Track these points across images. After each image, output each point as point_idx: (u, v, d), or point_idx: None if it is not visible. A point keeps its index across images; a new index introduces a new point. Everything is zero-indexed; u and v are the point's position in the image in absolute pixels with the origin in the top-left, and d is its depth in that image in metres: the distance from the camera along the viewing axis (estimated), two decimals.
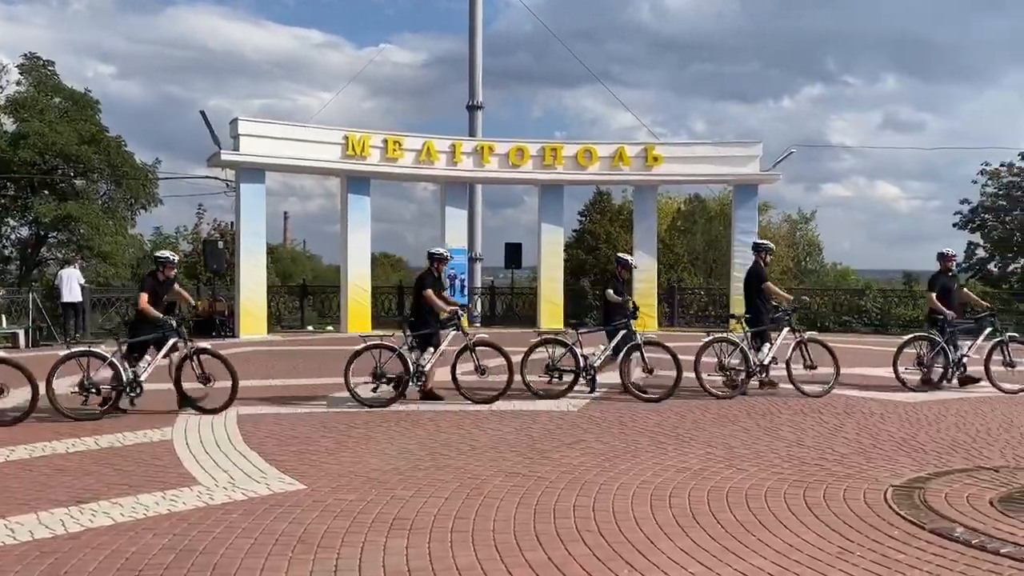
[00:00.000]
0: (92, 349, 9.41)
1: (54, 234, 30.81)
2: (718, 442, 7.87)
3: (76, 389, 9.09)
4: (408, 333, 10.21)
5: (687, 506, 5.70)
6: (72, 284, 19.64)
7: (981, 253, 29.83)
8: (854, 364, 13.16)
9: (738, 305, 22.55)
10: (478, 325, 23.93)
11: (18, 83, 30.45)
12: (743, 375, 10.71)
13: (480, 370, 10.08)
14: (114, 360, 9.23)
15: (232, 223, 25.25)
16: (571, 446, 7.65)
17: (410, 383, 10.00)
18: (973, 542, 4.87)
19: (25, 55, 30.76)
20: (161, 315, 9.63)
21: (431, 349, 10.22)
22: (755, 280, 11.50)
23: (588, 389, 10.61)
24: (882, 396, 10.61)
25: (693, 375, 10.48)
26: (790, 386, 10.62)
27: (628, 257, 11.60)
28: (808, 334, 11.27)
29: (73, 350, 9.31)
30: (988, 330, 11.44)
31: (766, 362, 10.85)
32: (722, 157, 23.13)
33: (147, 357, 9.55)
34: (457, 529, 5.22)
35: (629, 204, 37.58)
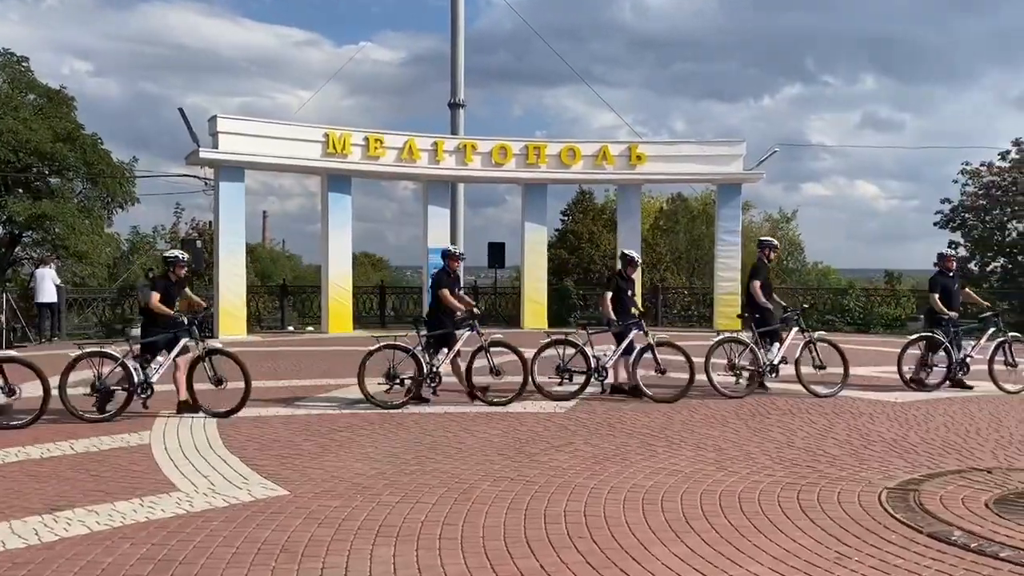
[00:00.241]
0: (104, 350, 9.19)
1: (28, 233, 30.30)
2: (708, 444, 7.77)
3: (88, 390, 8.92)
4: (422, 333, 10.04)
5: (680, 510, 5.59)
6: (47, 284, 19.29)
7: (962, 252, 30.00)
8: (839, 363, 13.08)
9: (725, 303, 22.64)
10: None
11: None
12: (753, 375, 10.65)
13: (495, 371, 9.94)
14: (126, 361, 9.06)
15: (210, 222, 24.96)
16: (559, 449, 7.53)
17: (424, 384, 9.86)
18: (972, 546, 4.79)
19: None
20: (173, 313, 9.48)
21: (444, 350, 10.07)
22: (751, 277, 11.44)
23: (599, 390, 10.49)
24: (870, 396, 10.56)
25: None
26: (776, 386, 10.56)
27: (635, 253, 11.43)
28: (818, 334, 11.22)
29: (85, 350, 9.08)
30: (992, 330, 11.43)
31: (776, 362, 10.79)
32: (706, 156, 23.09)
33: (158, 358, 9.37)
34: (445, 536, 5.07)
35: (612, 203, 37.57)
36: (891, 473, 6.57)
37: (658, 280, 30.72)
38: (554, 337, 10.57)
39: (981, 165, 28.86)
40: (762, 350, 10.75)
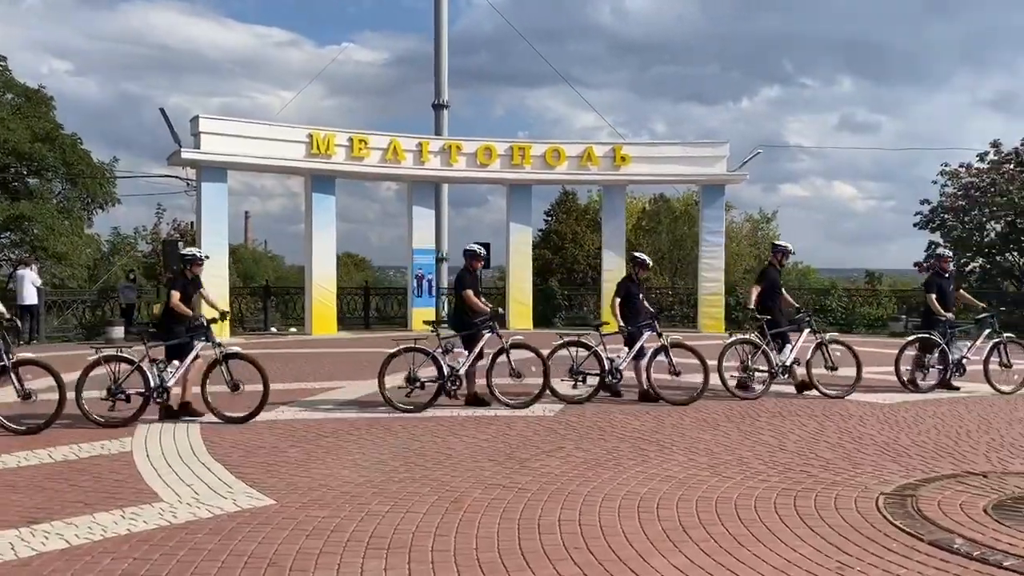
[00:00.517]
0: (121, 353, 9.00)
1: (6, 234, 29.85)
2: (700, 448, 7.68)
3: (104, 394, 8.75)
4: (440, 335, 9.91)
5: (676, 519, 5.49)
6: (27, 286, 18.98)
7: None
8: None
9: (708, 304, 22.63)
10: (445, 326, 23.62)
11: None
12: (766, 376, 10.62)
13: (516, 374, 9.82)
14: (142, 365, 8.88)
15: (192, 223, 24.65)
16: (551, 454, 7.41)
17: (443, 387, 9.75)
18: (974, 554, 4.72)
19: None
20: (193, 314, 9.34)
21: (464, 352, 9.95)
22: (758, 281, 11.42)
23: (611, 392, 10.39)
24: (858, 397, 10.51)
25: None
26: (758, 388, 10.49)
27: (645, 256, 11.31)
28: (829, 335, 11.18)
29: (102, 354, 8.89)
30: (987, 331, 11.44)
31: (788, 363, 10.73)
32: (690, 157, 23.10)
33: (175, 361, 9.20)
34: (438, 548, 4.94)
35: (595, 204, 37.55)
36: (886, 478, 6.51)
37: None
38: (567, 339, 10.45)
39: (960, 166, 29.03)
40: (774, 352, 10.70)
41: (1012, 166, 27.21)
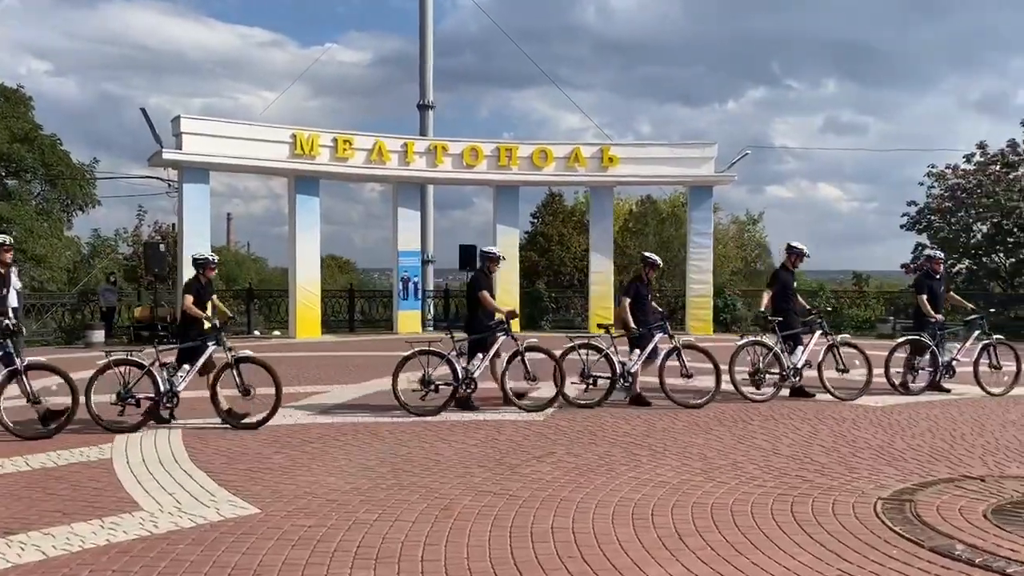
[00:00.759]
0: (131, 358, 8.83)
1: None
2: (693, 452, 7.57)
3: (114, 399, 8.59)
4: (455, 338, 9.78)
5: (672, 526, 5.36)
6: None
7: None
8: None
9: (696, 306, 22.56)
10: (431, 329, 23.47)
11: None
12: (777, 378, 10.56)
13: (531, 377, 9.70)
14: (152, 369, 8.72)
15: (174, 225, 24.36)
16: (541, 459, 7.27)
17: (459, 390, 9.62)
18: (977, 561, 4.61)
19: None
20: (205, 317, 9.21)
21: (479, 355, 9.81)
22: (770, 284, 11.35)
23: (623, 396, 10.28)
24: (853, 400, 10.43)
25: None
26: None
27: (655, 256, 11.20)
28: (841, 337, 11.10)
29: (112, 358, 8.72)
30: (976, 332, 11.39)
31: (799, 365, 10.65)
32: (677, 158, 23.05)
33: (185, 366, 9.05)
34: (428, 558, 4.79)
35: (581, 206, 37.47)
36: (883, 482, 6.41)
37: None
38: (577, 341, 10.31)
39: (946, 168, 29.15)
40: (786, 354, 10.62)
41: (998, 167, 27.34)
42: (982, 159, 27.93)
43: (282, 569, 4.62)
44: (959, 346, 11.48)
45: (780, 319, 10.80)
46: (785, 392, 10.75)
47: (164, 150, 19.21)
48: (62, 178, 29.91)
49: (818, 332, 10.91)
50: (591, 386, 10.02)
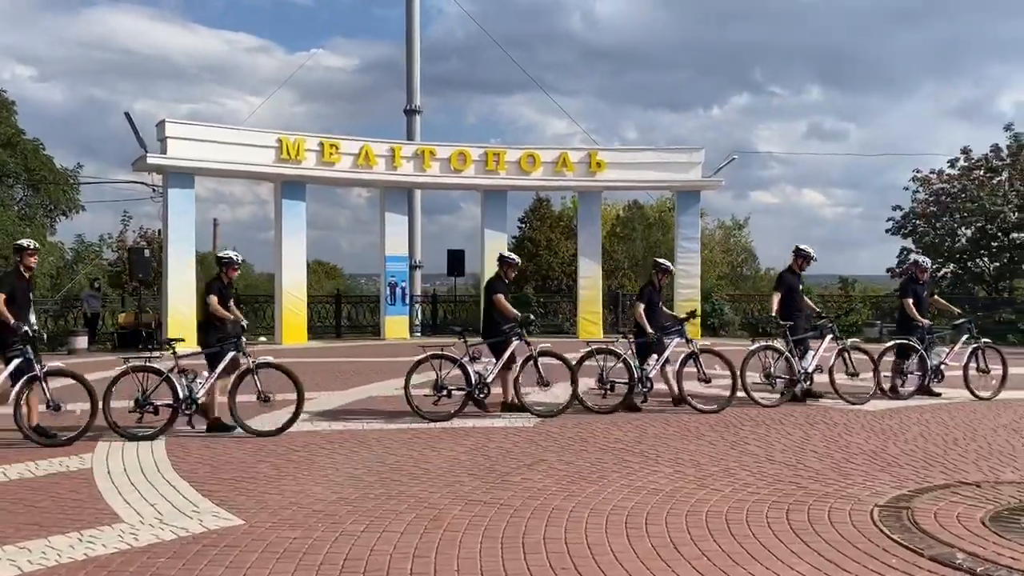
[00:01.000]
0: (149, 364, 8.67)
1: None
2: (685, 459, 7.47)
3: (132, 406, 8.45)
4: (468, 342, 9.66)
5: (667, 535, 5.24)
6: None
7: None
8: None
9: (684, 311, 22.48)
10: (418, 335, 23.33)
11: None
12: (788, 382, 10.49)
13: (544, 383, 9.62)
14: (171, 376, 8.57)
15: (159, 230, 24.13)
16: (532, 467, 7.15)
17: (473, 395, 9.54)
18: (978, 570, 4.52)
19: None
20: (233, 317, 9.07)
21: (493, 360, 9.73)
22: (775, 288, 11.29)
23: (640, 400, 10.19)
24: (843, 405, 10.37)
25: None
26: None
27: (667, 262, 11.08)
28: (851, 341, 11.00)
29: (130, 364, 8.58)
30: (965, 336, 11.35)
31: (810, 370, 10.59)
32: (665, 163, 23.04)
33: (203, 372, 8.87)
34: (417, 571, 4.65)
35: (569, 211, 37.43)
36: (878, 489, 6.32)
37: (616, 287, 30.57)
38: (595, 346, 10.21)
39: (931, 172, 29.28)
40: (796, 358, 10.55)
41: (982, 172, 27.48)
42: (966, 164, 28.07)
43: None
44: (947, 350, 11.46)
45: (791, 323, 10.74)
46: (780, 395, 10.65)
47: (148, 155, 19.00)
48: (45, 183, 29.60)
49: (828, 336, 10.83)
50: (609, 392, 9.93)
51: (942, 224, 28.50)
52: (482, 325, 10.21)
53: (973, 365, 11.07)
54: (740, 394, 10.15)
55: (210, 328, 9.14)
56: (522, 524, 5.48)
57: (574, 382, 9.69)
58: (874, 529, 5.30)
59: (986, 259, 28.20)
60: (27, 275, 8.82)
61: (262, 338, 21.85)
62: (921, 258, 12.23)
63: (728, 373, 10.02)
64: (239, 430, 8.67)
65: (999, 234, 26.99)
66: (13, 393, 8.18)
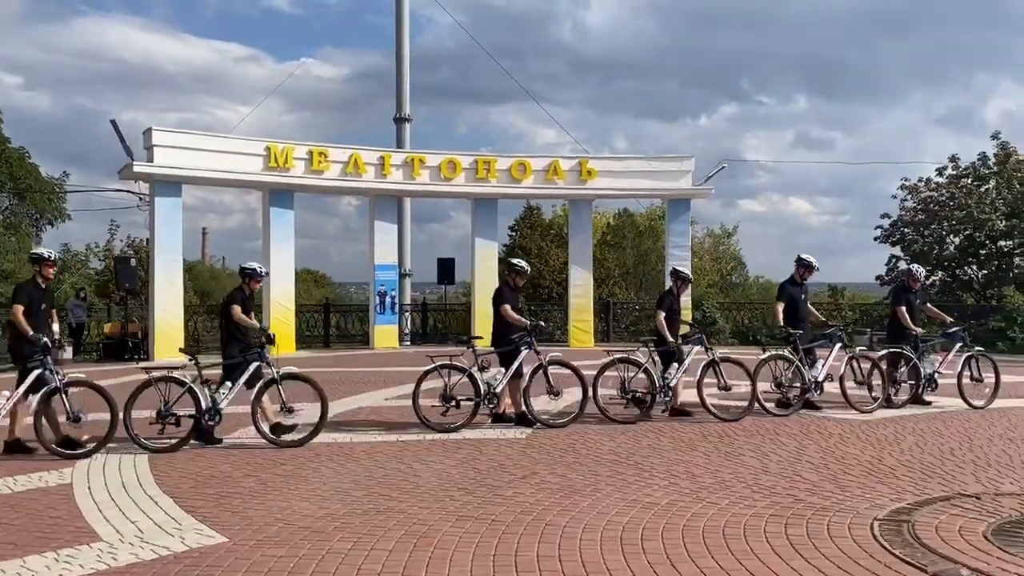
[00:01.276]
0: (171, 374, 8.52)
1: None
2: (680, 471, 7.33)
3: (154, 417, 8.32)
4: (476, 351, 9.53)
5: (663, 551, 5.10)
6: None
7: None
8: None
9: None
10: (407, 344, 23.15)
11: None
12: (798, 392, 10.39)
13: (554, 392, 9.49)
14: (193, 386, 8.43)
15: (147, 239, 23.89)
16: (524, 480, 7.00)
17: (481, 406, 9.42)
18: None
19: None
20: (257, 326, 9.00)
21: (502, 368, 9.58)
22: (778, 298, 11.22)
23: (662, 410, 10.10)
24: (836, 414, 10.27)
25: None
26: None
27: (686, 270, 10.91)
28: (859, 349, 10.90)
29: (152, 375, 8.44)
30: (959, 345, 11.28)
31: (820, 379, 10.49)
32: (655, 172, 22.96)
33: (227, 382, 8.73)
34: None
35: (560, 219, 37.36)
36: (877, 501, 6.20)
37: (607, 295, 30.48)
38: (616, 356, 10.08)
39: (919, 181, 29.34)
40: (806, 367, 10.45)
41: (970, 180, 27.55)
42: (954, 172, 28.14)
43: None
44: (940, 358, 11.39)
45: (800, 332, 10.65)
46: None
47: (135, 163, 18.79)
48: (30, 192, 29.30)
49: (838, 345, 10.73)
50: (630, 402, 9.81)
51: (930, 232, 28.55)
52: (492, 334, 10.04)
53: (967, 374, 10.99)
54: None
55: (232, 339, 9.05)
56: (514, 541, 5.33)
57: (584, 393, 9.56)
58: (875, 544, 5.18)
59: (974, 267, 28.25)
60: (44, 285, 8.74)
61: None
62: (914, 266, 12.16)
63: (747, 382, 10.00)
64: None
65: (987, 242, 27.05)
66: (33, 406, 8.12)
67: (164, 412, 8.34)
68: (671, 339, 10.19)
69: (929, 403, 10.99)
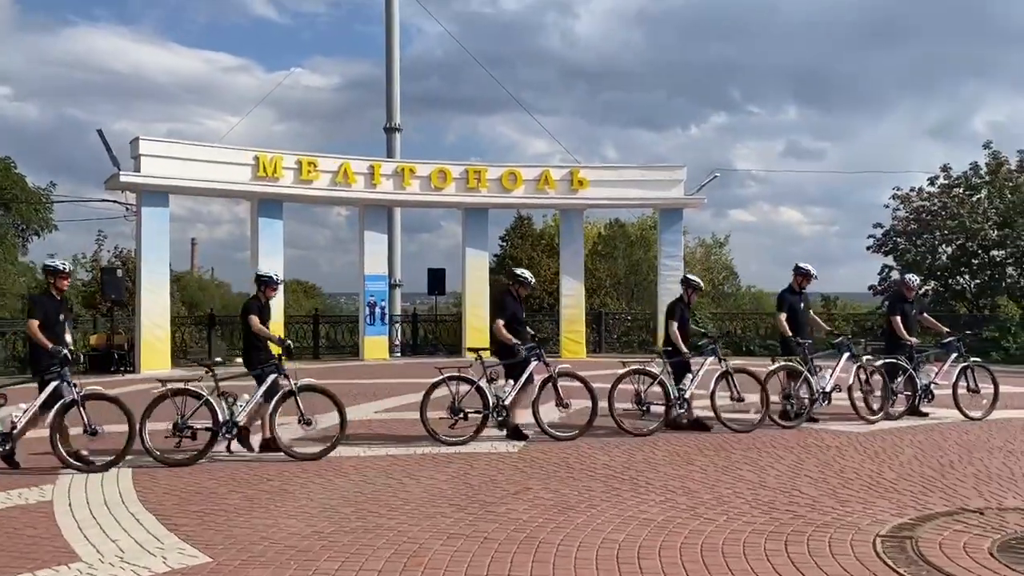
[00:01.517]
0: (187, 387, 8.40)
1: None
2: (676, 485, 7.18)
3: (171, 430, 8.19)
4: (484, 363, 9.37)
5: (660, 570, 4.95)
6: None
7: (895, 276, 30.39)
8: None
9: (660, 330, 22.28)
10: (398, 355, 22.96)
11: None
12: (806, 402, 10.26)
13: (563, 404, 9.37)
14: (210, 399, 8.30)
15: (134, 250, 23.64)
16: (517, 496, 6.83)
17: (489, 418, 9.26)
18: None
19: None
20: (278, 338, 8.89)
21: (510, 380, 9.42)
22: (778, 308, 11.12)
23: (683, 420, 9.96)
24: (833, 426, 10.14)
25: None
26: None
27: (698, 279, 10.85)
28: (866, 359, 10.81)
29: (167, 387, 8.34)
30: (954, 355, 11.17)
31: (828, 389, 10.37)
32: (647, 181, 22.88)
33: (244, 395, 8.59)
34: None
35: (551, 229, 37.24)
36: (879, 517, 6.06)
37: (598, 305, 30.35)
38: (631, 367, 9.94)
39: (911, 190, 29.38)
40: (815, 377, 10.35)
41: (962, 190, 27.56)
42: (946, 182, 28.17)
43: None
44: (936, 369, 11.29)
45: (809, 341, 10.51)
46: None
47: (121, 173, 18.58)
48: (16, 202, 29.01)
49: (845, 355, 10.62)
50: (645, 413, 9.68)
51: (923, 242, 28.56)
52: (499, 345, 9.86)
53: (963, 385, 10.89)
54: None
55: (252, 349, 8.93)
56: (507, 560, 5.17)
57: (593, 404, 9.42)
58: (878, 562, 5.04)
59: (967, 276, 28.24)
60: (59, 297, 8.65)
61: (239, 359, 21.39)
62: (908, 276, 12.07)
63: (759, 393, 9.90)
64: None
65: (979, 251, 27.05)
66: (49, 419, 7.98)
67: (181, 425, 8.23)
68: (685, 351, 10.06)
69: (926, 414, 10.88)
